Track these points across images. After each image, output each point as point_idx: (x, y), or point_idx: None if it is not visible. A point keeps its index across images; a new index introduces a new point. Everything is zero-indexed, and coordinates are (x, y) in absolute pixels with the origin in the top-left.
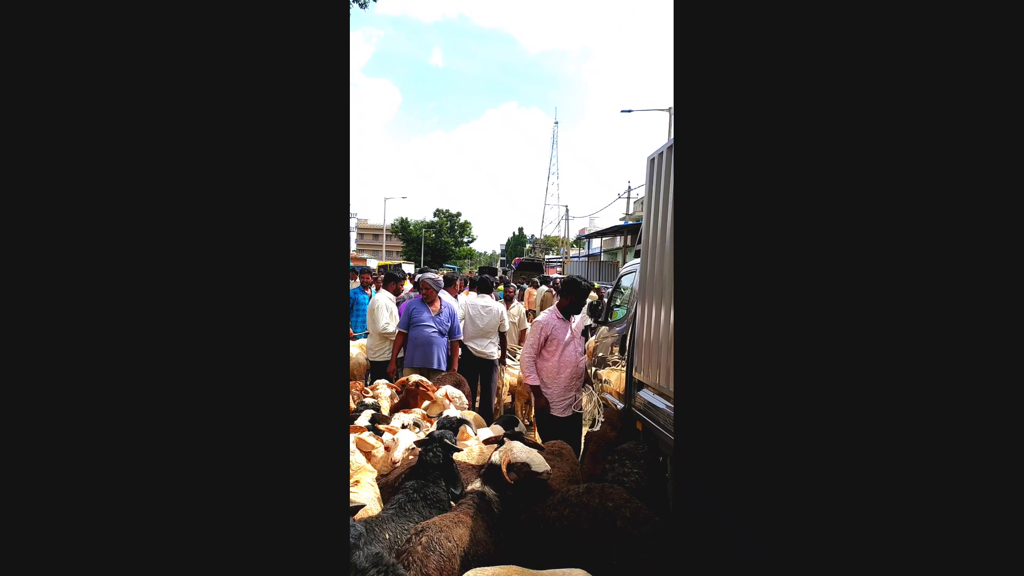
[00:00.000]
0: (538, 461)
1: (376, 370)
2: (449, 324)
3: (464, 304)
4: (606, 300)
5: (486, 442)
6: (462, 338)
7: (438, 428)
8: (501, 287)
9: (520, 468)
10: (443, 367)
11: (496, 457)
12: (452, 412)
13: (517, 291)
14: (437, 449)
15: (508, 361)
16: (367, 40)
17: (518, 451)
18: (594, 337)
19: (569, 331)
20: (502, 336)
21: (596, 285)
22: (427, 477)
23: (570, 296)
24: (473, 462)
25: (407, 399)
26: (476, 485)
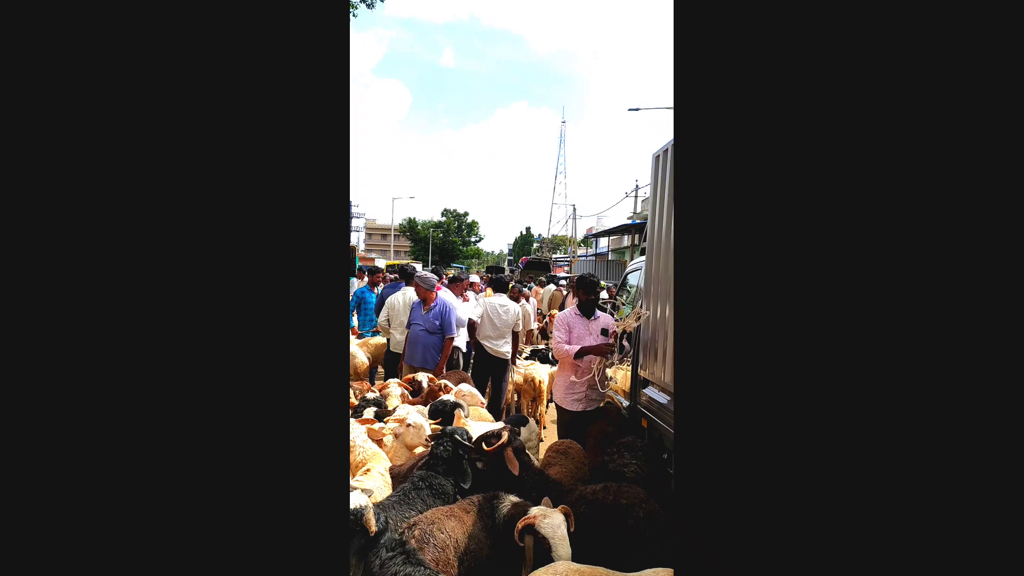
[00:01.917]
0: (564, 553)
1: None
2: (438, 322)
3: (484, 304)
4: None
5: (482, 437)
6: (453, 335)
7: (431, 415)
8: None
9: (541, 540)
10: (428, 365)
11: (517, 510)
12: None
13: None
14: (447, 443)
15: (517, 361)
16: (378, 41)
17: (550, 525)
18: None
19: (587, 328)
20: (515, 335)
21: (603, 284)
22: (436, 469)
23: (581, 292)
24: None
25: (427, 399)
26: (511, 497)
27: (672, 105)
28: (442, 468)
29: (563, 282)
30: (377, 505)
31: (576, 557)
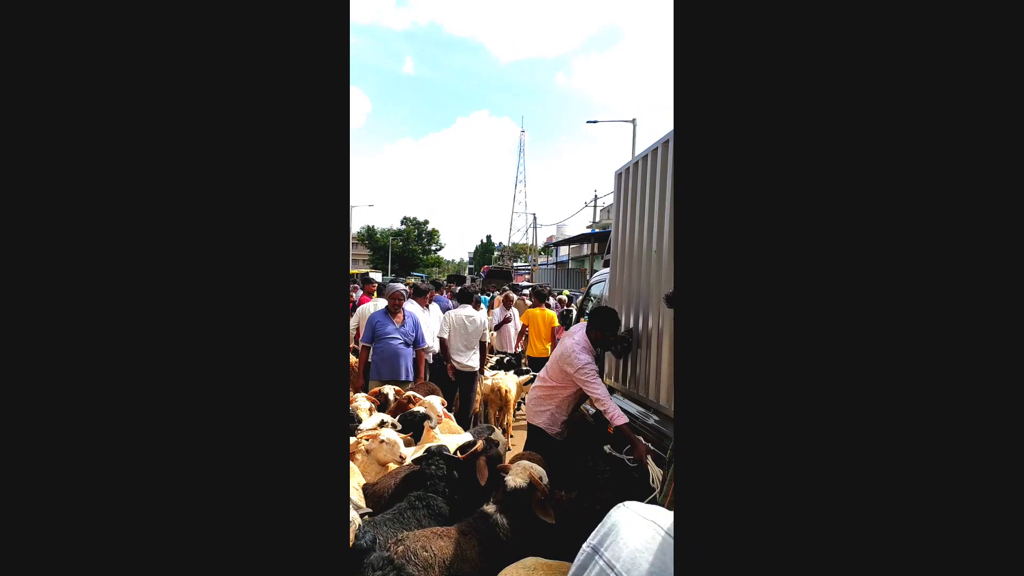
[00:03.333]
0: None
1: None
2: (414, 334)
3: (450, 318)
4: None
5: (460, 449)
6: (427, 346)
7: (402, 425)
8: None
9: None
10: (410, 378)
11: (516, 481)
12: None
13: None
14: (440, 461)
15: (486, 371)
16: None
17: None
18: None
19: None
20: (482, 345)
21: (566, 292)
22: (434, 489)
23: (597, 332)
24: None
25: (394, 413)
26: (489, 507)
27: (629, 119)
28: (440, 487)
29: (525, 291)
30: (370, 522)
31: (553, 558)
